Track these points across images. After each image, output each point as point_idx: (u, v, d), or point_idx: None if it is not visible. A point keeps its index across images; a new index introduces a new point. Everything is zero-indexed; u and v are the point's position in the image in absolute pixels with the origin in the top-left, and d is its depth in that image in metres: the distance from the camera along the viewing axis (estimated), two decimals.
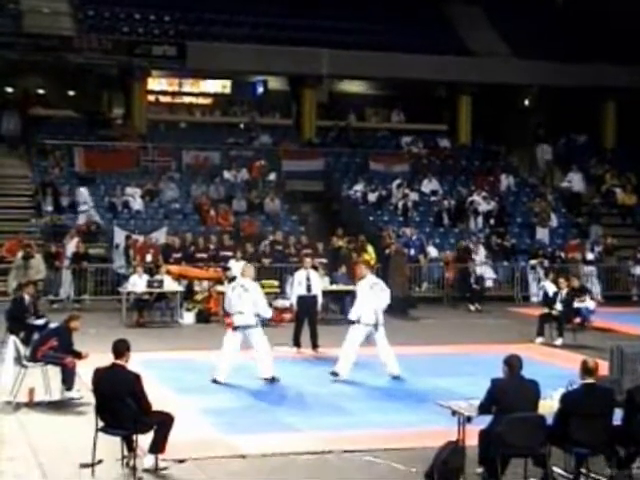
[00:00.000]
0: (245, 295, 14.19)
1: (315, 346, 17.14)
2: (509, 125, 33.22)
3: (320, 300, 17.64)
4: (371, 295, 14.63)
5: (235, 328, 14.20)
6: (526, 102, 35.43)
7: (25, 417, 12.01)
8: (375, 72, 32.26)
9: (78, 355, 12.86)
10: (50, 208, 25.87)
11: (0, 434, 11.21)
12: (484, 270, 24.89)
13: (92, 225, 25.06)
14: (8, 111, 28.09)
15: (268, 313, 14.99)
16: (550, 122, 33.66)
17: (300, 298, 17.27)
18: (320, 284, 18.07)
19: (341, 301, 21.57)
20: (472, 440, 9.43)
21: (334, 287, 21.38)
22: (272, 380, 14.17)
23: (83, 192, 26.17)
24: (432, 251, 26.07)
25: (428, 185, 29.86)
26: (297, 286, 17.44)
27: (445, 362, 16.11)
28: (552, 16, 33.82)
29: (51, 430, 11.46)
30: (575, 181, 30.78)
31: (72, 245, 23.39)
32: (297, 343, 17.19)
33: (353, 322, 14.61)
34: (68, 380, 12.63)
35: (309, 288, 17.30)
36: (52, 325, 14.06)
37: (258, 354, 14.29)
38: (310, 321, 17.35)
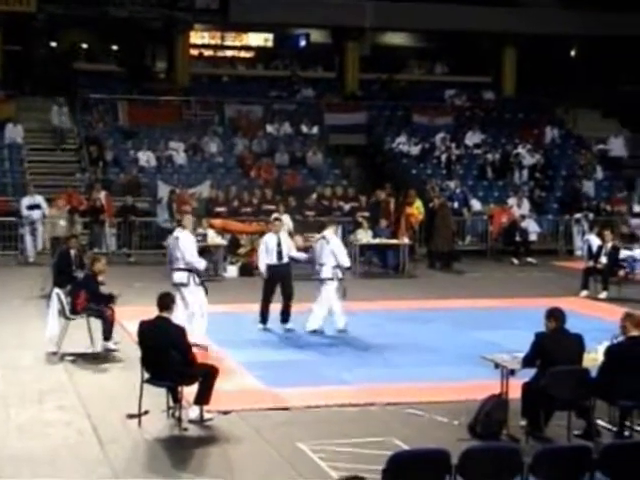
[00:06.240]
0: (326, 247, 14.40)
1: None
2: (555, 76, 32.70)
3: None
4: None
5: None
6: (572, 53, 34.82)
7: (72, 368, 12.20)
8: (419, 24, 31.90)
9: (111, 299, 13.00)
10: (94, 162, 26.00)
11: (49, 384, 11.41)
12: (528, 223, 24.68)
13: (135, 179, 25.18)
14: (57, 107, 27.81)
15: (347, 263, 14.76)
16: (596, 73, 33.07)
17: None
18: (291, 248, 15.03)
19: (383, 254, 21.62)
20: (515, 393, 9.45)
21: (377, 241, 21.37)
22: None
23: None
24: (475, 204, 25.90)
25: (472, 138, 29.56)
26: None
27: (489, 315, 16.04)
28: None
29: (97, 381, 11.65)
30: (615, 145, 29.91)
31: (101, 198, 23.16)
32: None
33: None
34: (107, 331, 12.83)
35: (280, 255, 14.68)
36: (79, 275, 14.34)
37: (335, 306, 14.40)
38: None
